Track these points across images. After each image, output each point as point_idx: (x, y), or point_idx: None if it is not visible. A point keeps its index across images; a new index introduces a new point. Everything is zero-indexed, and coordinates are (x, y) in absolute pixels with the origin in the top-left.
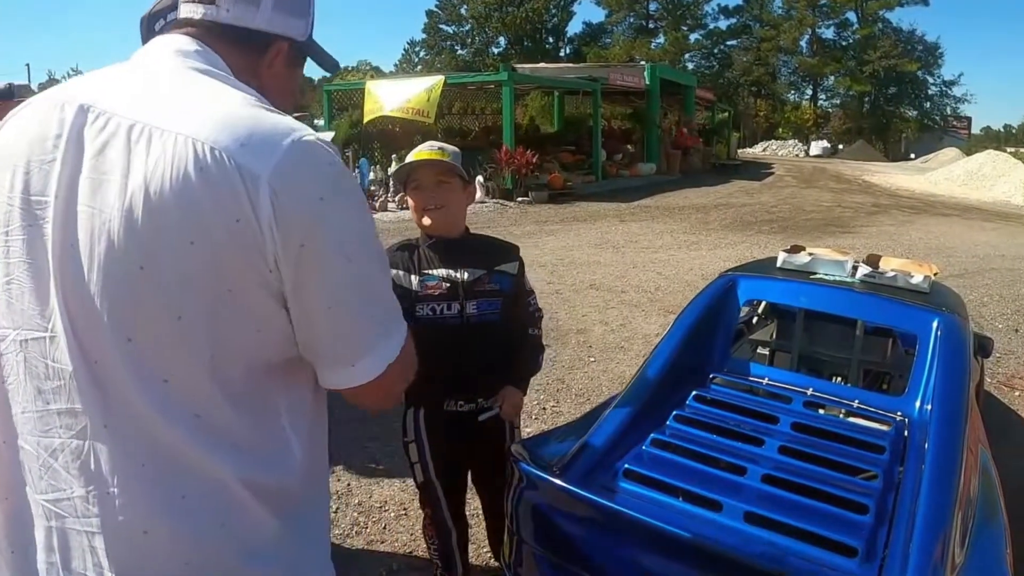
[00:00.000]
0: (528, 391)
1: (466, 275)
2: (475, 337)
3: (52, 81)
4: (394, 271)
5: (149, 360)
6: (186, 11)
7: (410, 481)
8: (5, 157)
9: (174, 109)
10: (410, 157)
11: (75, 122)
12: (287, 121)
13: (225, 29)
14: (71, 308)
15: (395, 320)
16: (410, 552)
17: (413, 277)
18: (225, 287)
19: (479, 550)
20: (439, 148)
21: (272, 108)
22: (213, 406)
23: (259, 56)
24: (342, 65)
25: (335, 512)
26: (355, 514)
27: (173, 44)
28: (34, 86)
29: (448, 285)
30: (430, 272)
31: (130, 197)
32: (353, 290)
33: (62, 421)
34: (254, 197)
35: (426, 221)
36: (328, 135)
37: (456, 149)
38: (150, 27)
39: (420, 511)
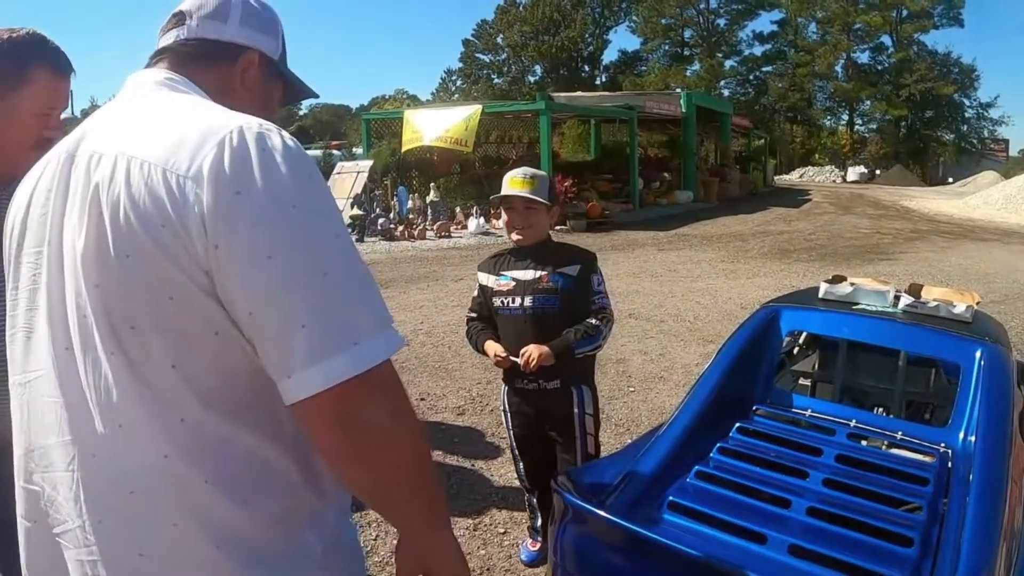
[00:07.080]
0: None
1: (529, 275)
2: (533, 326)
3: (94, 107)
4: (482, 274)
5: (132, 373)
6: (163, 42)
7: None
8: (16, 216)
9: (122, 132)
10: (506, 181)
11: (62, 170)
12: (233, 118)
13: (197, 46)
14: (66, 339)
15: (352, 333)
16: None
17: (492, 277)
18: (165, 295)
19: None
20: (530, 177)
21: (227, 110)
22: (200, 421)
23: (231, 67)
24: (380, 93)
25: None
26: (372, 532)
27: (142, 76)
28: (77, 113)
29: (514, 283)
30: (504, 273)
31: (86, 224)
32: (277, 293)
33: (57, 454)
34: (180, 201)
35: (515, 237)
36: (367, 163)
37: (544, 175)
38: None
39: None
